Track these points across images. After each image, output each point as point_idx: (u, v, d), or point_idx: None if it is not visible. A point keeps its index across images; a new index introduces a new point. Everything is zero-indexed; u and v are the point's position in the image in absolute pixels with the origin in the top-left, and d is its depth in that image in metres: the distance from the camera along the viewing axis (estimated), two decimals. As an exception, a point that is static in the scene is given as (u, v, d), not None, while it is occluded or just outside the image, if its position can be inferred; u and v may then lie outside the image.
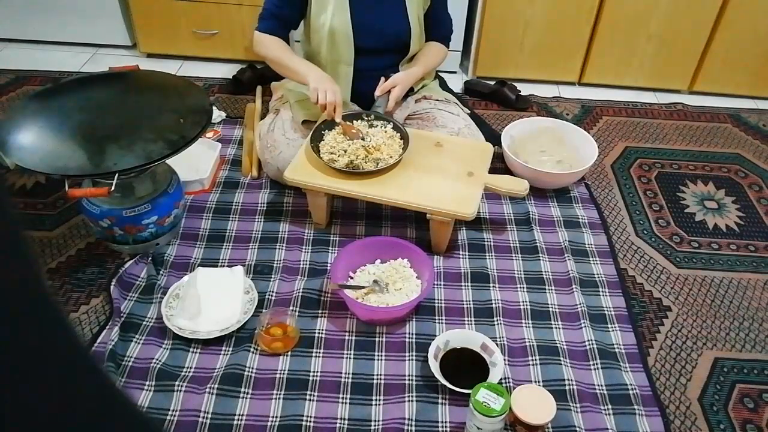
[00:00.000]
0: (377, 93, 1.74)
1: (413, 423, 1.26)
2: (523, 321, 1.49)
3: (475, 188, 1.59)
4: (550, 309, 1.53)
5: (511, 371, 1.37)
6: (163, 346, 1.39)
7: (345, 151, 1.60)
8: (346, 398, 1.30)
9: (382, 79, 1.75)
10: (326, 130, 1.68)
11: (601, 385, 1.36)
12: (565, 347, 1.43)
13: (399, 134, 1.70)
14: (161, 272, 1.57)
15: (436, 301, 1.53)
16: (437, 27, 1.89)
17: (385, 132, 1.69)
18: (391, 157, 1.63)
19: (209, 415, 1.25)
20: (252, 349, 1.38)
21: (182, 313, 1.42)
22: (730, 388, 1.40)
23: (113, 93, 1.57)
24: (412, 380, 1.34)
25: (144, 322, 1.45)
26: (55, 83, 1.70)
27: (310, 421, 1.25)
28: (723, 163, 2.13)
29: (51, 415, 0.32)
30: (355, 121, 1.71)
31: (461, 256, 1.66)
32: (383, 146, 1.63)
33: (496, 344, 1.37)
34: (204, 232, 1.71)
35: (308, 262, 1.62)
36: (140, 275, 1.56)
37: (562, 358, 1.40)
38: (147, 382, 1.31)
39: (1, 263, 0.29)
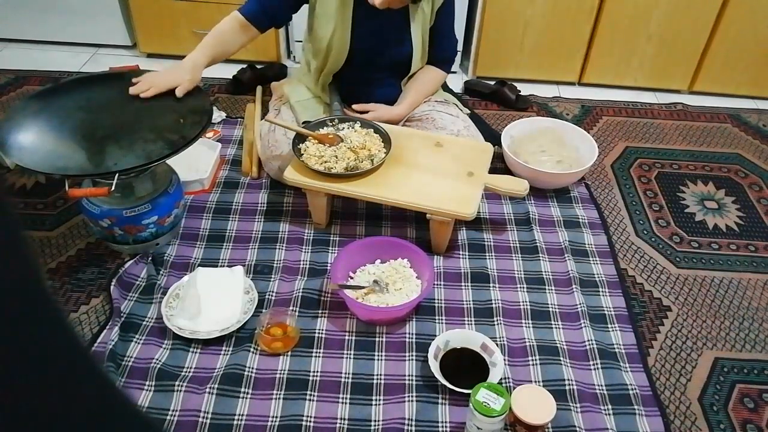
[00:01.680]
0: (355, 107, 1.79)
1: (413, 423, 1.26)
2: (523, 321, 1.49)
3: (475, 188, 1.59)
4: (550, 309, 1.53)
5: (511, 371, 1.37)
6: (163, 346, 1.39)
7: (337, 158, 1.59)
8: (346, 398, 1.30)
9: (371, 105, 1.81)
10: (301, 144, 1.65)
11: (601, 385, 1.36)
12: (565, 347, 1.43)
13: (372, 129, 1.70)
14: (161, 272, 1.57)
15: (436, 301, 1.53)
16: (438, 48, 1.84)
17: (356, 131, 1.68)
18: (379, 151, 1.63)
19: (209, 415, 1.25)
20: (252, 349, 1.38)
21: (182, 313, 1.42)
22: (730, 388, 1.40)
23: (113, 93, 1.57)
24: (412, 380, 1.34)
25: (144, 322, 1.45)
26: (55, 83, 1.70)
27: (310, 421, 1.25)
28: (723, 163, 2.13)
29: (51, 415, 0.32)
30: (320, 129, 1.69)
31: (461, 256, 1.66)
32: (367, 143, 1.64)
33: (496, 344, 1.37)
34: (204, 232, 1.71)
35: (308, 262, 1.62)
36: (140, 275, 1.56)
37: (562, 358, 1.40)
38: (147, 382, 1.31)
39: (1, 263, 0.29)
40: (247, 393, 1.30)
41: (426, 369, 1.34)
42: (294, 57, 2.61)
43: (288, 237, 1.69)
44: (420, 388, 1.33)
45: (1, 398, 0.29)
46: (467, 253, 1.67)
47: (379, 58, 1.78)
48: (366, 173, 1.58)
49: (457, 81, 2.50)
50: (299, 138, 1.65)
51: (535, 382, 1.35)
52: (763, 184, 2.04)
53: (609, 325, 1.51)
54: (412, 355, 1.40)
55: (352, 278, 1.54)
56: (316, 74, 1.84)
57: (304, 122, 1.78)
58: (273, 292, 1.53)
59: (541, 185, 1.88)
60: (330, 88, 1.85)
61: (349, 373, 1.35)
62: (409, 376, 1.35)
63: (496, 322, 1.47)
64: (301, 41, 1.97)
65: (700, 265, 1.72)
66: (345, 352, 1.40)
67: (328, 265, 1.61)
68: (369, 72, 1.82)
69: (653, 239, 1.79)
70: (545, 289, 1.59)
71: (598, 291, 1.60)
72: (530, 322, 1.49)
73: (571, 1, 2.32)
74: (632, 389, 1.35)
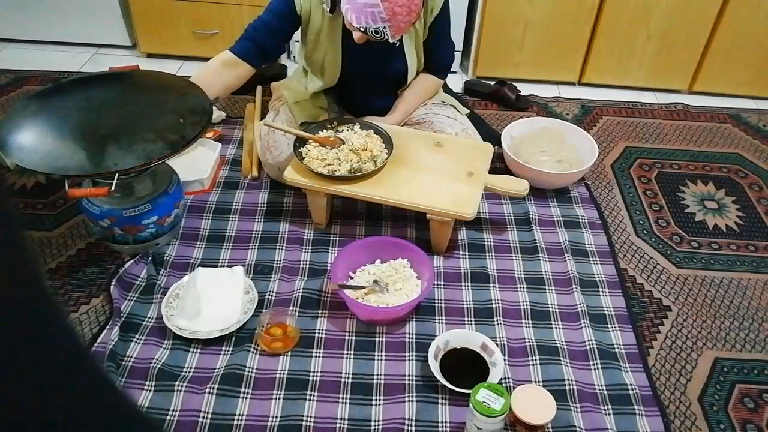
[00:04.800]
0: None
1: (413, 423, 1.26)
2: (523, 321, 1.49)
3: (475, 188, 1.59)
4: (550, 309, 1.53)
5: (511, 371, 1.37)
6: (163, 346, 1.39)
7: (340, 160, 1.59)
8: (346, 398, 1.30)
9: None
10: (302, 148, 1.65)
11: (601, 385, 1.36)
12: (565, 347, 1.43)
13: (371, 130, 1.70)
14: (161, 272, 1.57)
15: (436, 301, 1.53)
16: (434, 58, 1.83)
17: (356, 133, 1.69)
18: (381, 151, 1.63)
19: (209, 415, 1.25)
20: (252, 349, 1.38)
21: (182, 313, 1.42)
22: (730, 388, 1.40)
23: (113, 93, 1.57)
24: (412, 380, 1.34)
25: (144, 322, 1.45)
26: (55, 83, 1.70)
27: (310, 421, 1.25)
28: (723, 163, 2.13)
29: (51, 415, 0.32)
30: (320, 132, 1.69)
31: (461, 256, 1.66)
32: (368, 144, 1.64)
33: (496, 344, 1.37)
34: (204, 232, 1.71)
35: (308, 262, 1.62)
36: (140, 275, 1.56)
37: (562, 358, 1.40)
38: (147, 382, 1.31)
39: (1, 263, 0.29)
40: (247, 393, 1.30)
41: (426, 369, 1.34)
42: (294, 57, 2.61)
43: (288, 237, 1.69)
44: (420, 388, 1.33)
45: (2, 398, 0.29)
46: (467, 253, 1.67)
47: (374, 77, 1.79)
48: (368, 174, 1.58)
49: (457, 81, 2.50)
50: (300, 141, 1.65)
51: (535, 382, 1.35)
52: (763, 184, 2.04)
53: (609, 325, 1.51)
54: (412, 355, 1.40)
55: (352, 278, 1.54)
56: (311, 87, 1.84)
57: (302, 123, 1.78)
58: (273, 292, 1.53)
59: (541, 185, 1.88)
60: (327, 98, 1.86)
61: (349, 373, 1.35)
62: (409, 376, 1.35)
63: (496, 322, 1.47)
64: (299, 41, 1.97)
65: (700, 265, 1.72)
66: (345, 352, 1.40)
67: (328, 265, 1.61)
68: (364, 87, 1.83)
69: (653, 239, 1.79)
70: (545, 289, 1.59)
71: (598, 291, 1.60)
72: (530, 322, 1.49)
73: (571, 1, 2.32)
74: (632, 389, 1.35)
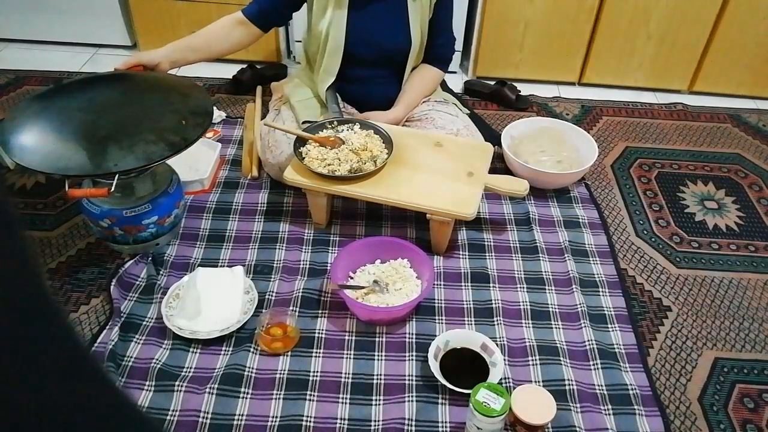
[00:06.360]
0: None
1: (413, 423, 1.26)
2: (523, 321, 1.49)
3: (475, 188, 1.59)
4: (550, 309, 1.53)
5: (511, 371, 1.37)
6: (163, 346, 1.39)
7: (340, 160, 1.59)
8: (346, 398, 1.30)
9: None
10: (302, 148, 1.65)
11: (601, 385, 1.36)
12: (565, 347, 1.43)
13: (372, 130, 1.70)
14: (161, 272, 1.57)
15: (436, 301, 1.53)
16: (435, 44, 1.84)
17: (356, 132, 1.69)
18: (381, 151, 1.63)
19: (209, 415, 1.25)
20: (252, 349, 1.38)
21: (182, 313, 1.42)
22: (730, 388, 1.40)
23: (115, 94, 1.57)
24: (412, 380, 1.34)
25: (144, 322, 1.45)
26: (56, 84, 1.70)
27: (310, 421, 1.25)
28: (723, 163, 2.13)
29: (51, 416, 0.32)
30: (320, 132, 1.69)
31: (461, 256, 1.66)
32: (368, 144, 1.64)
33: (496, 344, 1.37)
34: (204, 232, 1.71)
35: (308, 262, 1.62)
36: (140, 275, 1.56)
37: (562, 358, 1.40)
38: (147, 382, 1.31)
39: (1, 263, 0.29)
40: (247, 393, 1.30)
41: (426, 369, 1.34)
42: (294, 57, 2.61)
43: (288, 237, 1.69)
44: (420, 388, 1.33)
45: (2, 398, 0.29)
46: (467, 253, 1.67)
47: (377, 49, 1.78)
48: (368, 174, 1.58)
49: (457, 81, 2.50)
50: (300, 141, 1.65)
51: (535, 382, 1.35)
52: (763, 184, 2.04)
53: (609, 325, 1.51)
54: (412, 355, 1.40)
55: (352, 278, 1.54)
56: (315, 74, 1.85)
57: (303, 122, 1.79)
58: (273, 292, 1.53)
59: (541, 185, 1.88)
60: (328, 93, 1.86)
61: (349, 373, 1.35)
62: (409, 376, 1.35)
63: (496, 322, 1.47)
64: (300, 41, 1.97)
65: (700, 265, 1.72)
66: (345, 352, 1.40)
67: (328, 265, 1.61)
68: (367, 68, 1.82)
69: (653, 239, 1.79)
70: (545, 289, 1.59)
71: (598, 291, 1.60)
72: (530, 322, 1.49)
73: (571, 1, 2.32)
74: (632, 389, 1.35)
